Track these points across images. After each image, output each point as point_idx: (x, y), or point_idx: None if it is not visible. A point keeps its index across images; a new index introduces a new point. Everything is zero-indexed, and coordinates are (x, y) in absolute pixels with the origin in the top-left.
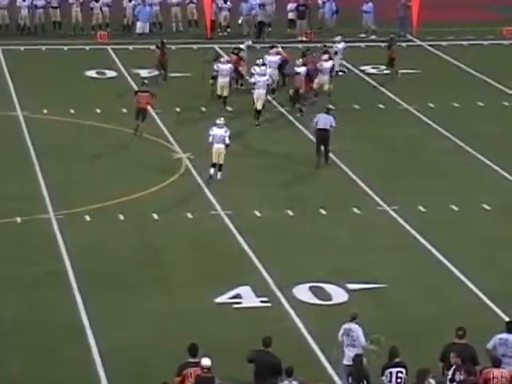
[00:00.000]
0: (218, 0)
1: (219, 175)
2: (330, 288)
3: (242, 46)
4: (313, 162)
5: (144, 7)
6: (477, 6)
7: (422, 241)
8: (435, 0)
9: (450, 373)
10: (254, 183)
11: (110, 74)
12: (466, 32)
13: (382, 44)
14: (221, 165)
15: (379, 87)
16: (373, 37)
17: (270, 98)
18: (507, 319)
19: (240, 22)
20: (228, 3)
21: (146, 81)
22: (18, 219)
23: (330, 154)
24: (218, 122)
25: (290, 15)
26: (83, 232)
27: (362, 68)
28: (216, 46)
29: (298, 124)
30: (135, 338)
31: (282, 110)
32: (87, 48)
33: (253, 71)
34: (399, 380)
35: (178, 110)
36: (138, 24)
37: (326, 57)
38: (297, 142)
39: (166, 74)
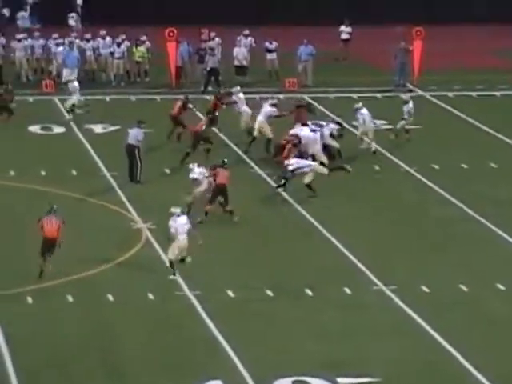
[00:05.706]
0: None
1: None
2: (317, 383)
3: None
4: (299, 235)
5: (71, 52)
6: (486, 51)
7: (426, 326)
8: (440, 44)
9: None
10: (226, 257)
11: (58, 129)
12: (475, 81)
13: (378, 94)
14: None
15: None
16: None
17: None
18: None
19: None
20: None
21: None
22: None
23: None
24: None
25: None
26: (24, 316)
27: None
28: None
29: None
30: None
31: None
32: (31, 99)
33: None
34: None
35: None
36: (65, 71)
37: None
38: (275, 211)
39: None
